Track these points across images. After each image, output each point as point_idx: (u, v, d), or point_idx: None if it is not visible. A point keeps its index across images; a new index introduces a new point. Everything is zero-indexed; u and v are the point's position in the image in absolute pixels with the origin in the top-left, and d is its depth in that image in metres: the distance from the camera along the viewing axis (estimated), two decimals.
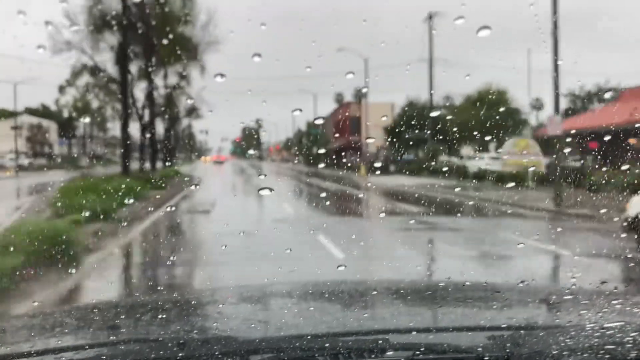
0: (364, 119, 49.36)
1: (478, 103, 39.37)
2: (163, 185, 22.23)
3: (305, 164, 56.50)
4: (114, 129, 63.51)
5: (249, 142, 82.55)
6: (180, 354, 1.40)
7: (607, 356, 1.33)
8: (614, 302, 1.91)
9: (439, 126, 38.53)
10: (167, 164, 40.34)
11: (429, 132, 37.13)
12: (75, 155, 71.77)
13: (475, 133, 33.47)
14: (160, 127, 49.21)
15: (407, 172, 33.03)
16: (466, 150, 39.33)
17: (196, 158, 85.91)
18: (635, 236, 10.45)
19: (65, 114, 76.18)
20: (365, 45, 42.65)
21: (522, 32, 67.42)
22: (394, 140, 45.38)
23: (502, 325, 1.60)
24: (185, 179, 32.28)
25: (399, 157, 44.18)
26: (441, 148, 36.78)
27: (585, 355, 1.34)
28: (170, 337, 1.61)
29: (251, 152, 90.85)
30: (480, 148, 36.42)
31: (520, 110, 41.25)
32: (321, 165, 40.46)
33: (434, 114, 38.52)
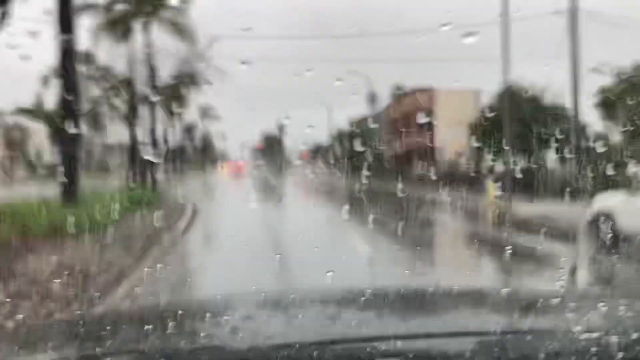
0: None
1: None
2: None
3: (348, 177, 41.62)
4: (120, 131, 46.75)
5: (270, 149, 71.71)
6: None
7: (594, 359, 1.34)
8: (600, 305, 1.87)
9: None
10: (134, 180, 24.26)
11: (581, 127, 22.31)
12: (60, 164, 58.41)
13: None
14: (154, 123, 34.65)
15: (564, 195, 17.90)
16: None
17: (211, 167, 75.20)
18: (597, 231, 10.26)
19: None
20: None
21: None
22: (492, 141, 30.74)
23: (490, 330, 1.58)
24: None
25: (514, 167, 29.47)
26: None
27: (572, 358, 1.35)
28: (157, 347, 1.55)
29: (273, 161, 78.71)
30: None
31: None
32: (405, 185, 25.35)
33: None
